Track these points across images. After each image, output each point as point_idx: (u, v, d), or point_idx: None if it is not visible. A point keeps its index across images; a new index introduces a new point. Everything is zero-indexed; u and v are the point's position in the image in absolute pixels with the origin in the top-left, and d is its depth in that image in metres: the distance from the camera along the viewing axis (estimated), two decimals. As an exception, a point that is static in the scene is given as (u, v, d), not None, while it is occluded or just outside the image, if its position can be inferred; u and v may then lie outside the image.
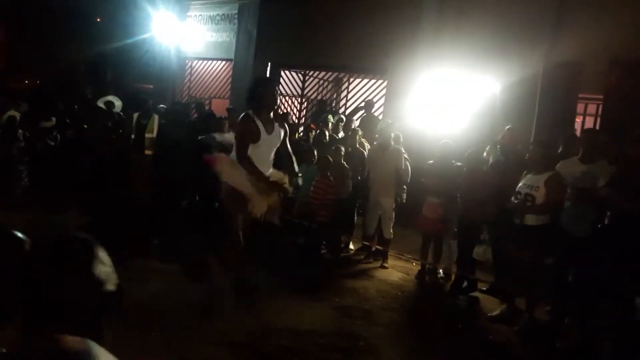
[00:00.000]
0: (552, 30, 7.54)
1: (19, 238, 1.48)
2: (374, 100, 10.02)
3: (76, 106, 10.37)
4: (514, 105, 7.70)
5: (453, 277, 5.70)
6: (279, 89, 4.86)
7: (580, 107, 8.15)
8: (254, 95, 4.41)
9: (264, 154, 4.41)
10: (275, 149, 4.53)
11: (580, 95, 7.75)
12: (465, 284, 5.53)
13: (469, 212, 5.37)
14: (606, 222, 4.29)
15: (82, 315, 1.22)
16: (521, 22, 7.72)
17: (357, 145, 6.83)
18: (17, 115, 8.73)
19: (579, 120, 8.44)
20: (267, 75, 11.21)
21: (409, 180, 6.52)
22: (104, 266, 1.26)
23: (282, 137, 4.52)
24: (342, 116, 9.00)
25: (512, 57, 7.52)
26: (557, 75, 7.40)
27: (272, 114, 4.50)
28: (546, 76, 7.56)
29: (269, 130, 4.40)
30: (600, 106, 7.77)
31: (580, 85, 7.45)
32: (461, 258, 5.56)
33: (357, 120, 8.94)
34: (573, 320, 4.55)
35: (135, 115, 7.79)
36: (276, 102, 4.58)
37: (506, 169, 5.30)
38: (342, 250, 6.64)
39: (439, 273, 5.99)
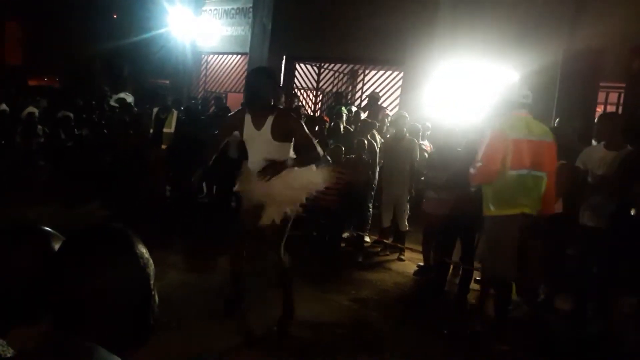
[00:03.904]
0: (571, 17, 7.39)
1: (47, 232, 1.40)
2: (385, 91, 9.97)
3: (93, 102, 10.50)
4: (533, 95, 7.54)
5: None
6: (276, 80, 4.16)
7: (601, 96, 7.98)
8: (248, 89, 3.93)
9: (252, 152, 3.92)
10: (267, 147, 3.82)
11: (601, 84, 7.59)
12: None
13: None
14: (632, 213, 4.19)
15: (119, 319, 1.08)
16: (540, 10, 7.58)
17: (369, 138, 6.80)
18: (36, 111, 8.87)
19: (599, 109, 8.26)
20: (283, 68, 11.23)
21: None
22: (149, 265, 1.13)
23: (271, 134, 3.78)
24: (353, 107, 8.97)
25: (531, 45, 7.38)
26: (577, 63, 7.24)
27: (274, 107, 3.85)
28: (566, 65, 7.41)
29: (258, 126, 3.83)
30: (622, 95, 7.61)
31: (601, 73, 7.29)
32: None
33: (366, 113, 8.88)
34: (595, 310, 4.47)
35: (155, 110, 7.87)
36: (268, 96, 3.80)
37: None
38: (362, 246, 6.58)
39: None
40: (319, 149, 3.88)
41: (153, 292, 1.14)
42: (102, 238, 1.11)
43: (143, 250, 1.13)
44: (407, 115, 6.68)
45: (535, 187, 3.98)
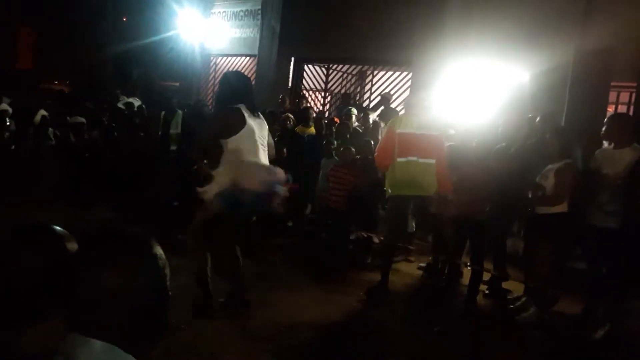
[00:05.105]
0: (582, 15, 7.30)
1: (60, 232, 1.43)
2: (393, 92, 9.92)
3: (105, 105, 10.58)
4: (543, 95, 7.50)
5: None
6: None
7: (612, 96, 7.90)
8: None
9: None
10: None
11: (612, 83, 7.51)
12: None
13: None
14: None
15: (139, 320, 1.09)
16: (550, 9, 7.51)
17: (379, 138, 6.77)
18: (48, 115, 8.95)
19: (611, 109, 8.17)
20: (291, 69, 11.24)
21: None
22: (166, 266, 1.14)
23: None
24: (354, 110, 8.92)
25: (541, 45, 7.32)
26: (588, 62, 7.17)
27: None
28: (577, 64, 7.34)
29: None
30: (634, 94, 7.52)
31: (612, 72, 7.21)
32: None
33: (377, 114, 8.84)
34: (605, 312, 4.41)
35: (163, 113, 7.92)
36: (218, 96, 4.35)
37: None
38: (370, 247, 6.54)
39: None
40: (196, 146, 4.31)
41: (169, 293, 1.15)
42: (122, 239, 1.12)
43: (161, 252, 1.14)
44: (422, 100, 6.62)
45: (426, 172, 4.71)
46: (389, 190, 4.87)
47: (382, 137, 4.84)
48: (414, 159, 4.69)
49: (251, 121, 3.95)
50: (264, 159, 4.04)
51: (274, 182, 3.91)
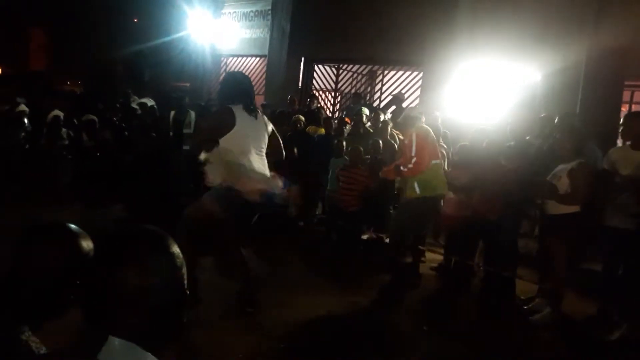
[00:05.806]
0: (595, 14, 7.24)
1: (76, 230, 1.45)
2: (404, 92, 9.89)
3: (118, 104, 10.65)
4: (556, 95, 7.45)
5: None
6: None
7: (626, 95, 7.82)
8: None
9: None
10: None
11: (626, 83, 7.44)
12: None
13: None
14: None
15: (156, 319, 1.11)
16: (562, 7, 7.45)
17: (389, 138, 6.75)
18: (61, 114, 9.03)
19: (624, 108, 8.10)
20: (301, 69, 11.25)
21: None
22: (184, 265, 1.15)
23: None
24: (366, 110, 8.91)
25: (553, 44, 7.27)
26: (602, 61, 7.11)
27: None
28: (590, 63, 7.28)
29: None
30: (648, 93, 7.46)
31: (626, 71, 7.15)
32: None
33: (389, 113, 8.82)
34: (622, 312, 4.37)
35: (172, 113, 7.96)
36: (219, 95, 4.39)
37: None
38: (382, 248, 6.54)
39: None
40: (193, 144, 4.37)
41: (187, 291, 1.16)
42: (140, 238, 1.13)
43: (178, 251, 1.15)
44: (422, 113, 6.62)
45: (440, 171, 5.23)
46: (417, 192, 4.97)
47: (421, 145, 4.95)
48: (438, 161, 5.20)
49: (245, 122, 3.91)
50: (257, 162, 3.98)
51: (270, 191, 3.90)
